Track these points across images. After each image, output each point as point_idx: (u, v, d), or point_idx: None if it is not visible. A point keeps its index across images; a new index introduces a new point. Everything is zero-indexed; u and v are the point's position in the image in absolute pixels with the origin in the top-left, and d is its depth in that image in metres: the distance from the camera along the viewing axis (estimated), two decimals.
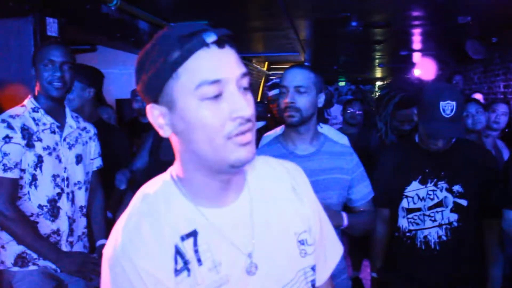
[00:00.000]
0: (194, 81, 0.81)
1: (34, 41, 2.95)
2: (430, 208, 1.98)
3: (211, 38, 0.81)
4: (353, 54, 9.41)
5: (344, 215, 1.77)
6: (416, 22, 5.87)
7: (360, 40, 6.85)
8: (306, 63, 10.07)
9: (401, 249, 2.05)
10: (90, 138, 2.24)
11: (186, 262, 0.85)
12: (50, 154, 2.00)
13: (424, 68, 8.38)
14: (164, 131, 0.87)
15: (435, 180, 1.98)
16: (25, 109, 2.01)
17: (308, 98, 1.79)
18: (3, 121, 1.92)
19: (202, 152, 0.84)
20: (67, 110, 2.14)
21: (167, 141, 0.91)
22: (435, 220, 1.97)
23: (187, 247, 0.85)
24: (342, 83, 15.97)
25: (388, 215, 2.11)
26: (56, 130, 2.05)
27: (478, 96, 5.94)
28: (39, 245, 1.93)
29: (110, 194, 2.57)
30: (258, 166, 1.00)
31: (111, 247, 0.86)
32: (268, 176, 1.00)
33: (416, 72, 8.86)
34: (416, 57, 9.10)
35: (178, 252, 0.84)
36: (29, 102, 2.04)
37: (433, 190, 1.98)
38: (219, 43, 0.83)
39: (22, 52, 2.92)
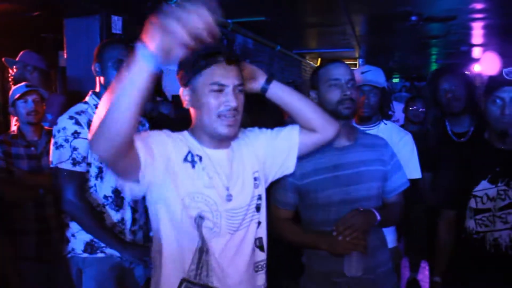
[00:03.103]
0: (210, 80, 1.38)
1: (100, 38, 3.08)
2: (501, 209, 1.89)
3: (222, 57, 1.38)
4: (410, 49, 9.15)
5: (375, 212, 1.76)
6: (480, 15, 5.63)
7: (418, 35, 6.65)
8: (360, 60, 9.91)
9: (468, 252, 1.96)
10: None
11: (193, 160, 1.39)
12: None
13: (487, 64, 8.01)
14: (186, 104, 1.44)
15: (507, 179, 1.89)
16: (88, 105, 2.08)
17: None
18: (71, 117, 2.01)
19: (204, 121, 1.40)
20: None
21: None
22: (507, 222, 1.87)
23: (195, 158, 1.40)
24: (396, 80, 15.58)
25: (453, 218, 2.02)
26: None
27: None
28: (106, 236, 2.01)
29: None
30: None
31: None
32: (242, 139, 1.56)
33: (477, 68, 8.49)
34: (477, 52, 8.72)
35: (190, 152, 1.40)
36: (90, 98, 2.11)
37: (504, 190, 1.88)
38: (228, 62, 1.39)
39: (90, 49, 3.06)
